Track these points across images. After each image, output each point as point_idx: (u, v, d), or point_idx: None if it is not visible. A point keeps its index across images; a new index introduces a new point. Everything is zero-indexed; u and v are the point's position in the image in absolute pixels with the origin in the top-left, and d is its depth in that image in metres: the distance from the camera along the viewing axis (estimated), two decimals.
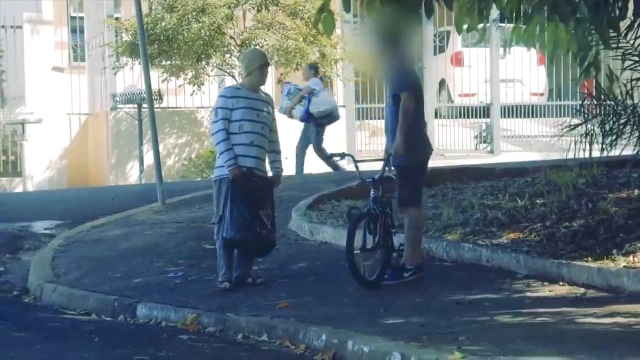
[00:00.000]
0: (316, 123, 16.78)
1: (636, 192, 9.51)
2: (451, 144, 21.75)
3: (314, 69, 17.38)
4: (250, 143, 8.59)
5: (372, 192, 8.40)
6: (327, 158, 16.50)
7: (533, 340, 6.31)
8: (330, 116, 16.96)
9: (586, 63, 8.02)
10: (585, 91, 10.15)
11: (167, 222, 11.78)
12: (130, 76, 20.94)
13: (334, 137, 21.43)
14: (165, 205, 12.71)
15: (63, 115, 21.89)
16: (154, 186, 13.25)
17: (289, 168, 19.78)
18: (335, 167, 16.74)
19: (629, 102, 8.34)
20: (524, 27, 6.43)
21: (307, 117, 16.68)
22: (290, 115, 16.95)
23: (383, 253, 8.33)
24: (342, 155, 9.10)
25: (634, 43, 8.12)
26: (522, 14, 7.04)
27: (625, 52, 8.16)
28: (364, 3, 7.09)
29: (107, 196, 14.81)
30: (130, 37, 19.85)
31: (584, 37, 6.52)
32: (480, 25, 7.09)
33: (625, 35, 8.07)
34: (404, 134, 8.20)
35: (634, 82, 8.32)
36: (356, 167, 8.63)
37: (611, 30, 7.68)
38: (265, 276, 9.03)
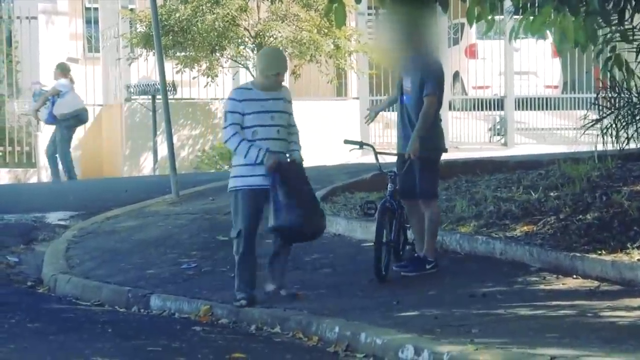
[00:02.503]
0: (64, 125, 16.78)
1: None
2: (465, 137, 21.71)
3: (61, 69, 17.27)
4: (265, 150, 8.04)
5: (389, 186, 8.38)
6: (55, 163, 16.50)
7: (546, 333, 6.30)
8: (77, 118, 16.95)
9: (601, 57, 7.99)
10: (600, 84, 10.11)
11: (180, 213, 11.80)
12: (145, 67, 20.95)
13: (347, 129, 21.44)
14: (178, 197, 12.72)
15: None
16: (167, 178, 13.26)
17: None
18: (56, 174, 16.82)
19: None
20: (532, 18, 6.40)
21: (52, 119, 16.70)
22: (37, 117, 16.99)
23: (394, 247, 8.33)
24: (361, 145, 8.86)
25: None
26: (531, 5, 7.02)
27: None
28: None
29: (121, 187, 14.83)
30: (144, 28, 19.86)
31: (594, 29, 6.49)
32: (490, 17, 7.06)
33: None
34: (420, 136, 8.20)
35: None
36: (376, 158, 8.57)
37: (623, 24, 7.65)
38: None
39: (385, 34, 8.21)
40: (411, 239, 8.57)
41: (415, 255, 8.47)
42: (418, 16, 7.86)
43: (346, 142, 8.77)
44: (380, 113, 9.33)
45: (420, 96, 8.31)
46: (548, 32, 6.40)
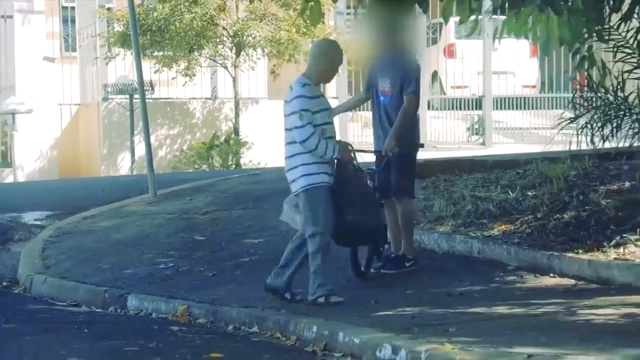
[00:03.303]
0: None
1: (627, 184, 9.51)
2: (443, 136, 21.75)
3: None
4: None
5: (369, 184, 8.36)
6: None
7: (523, 332, 6.32)
8: None
9: (579, 56, 8.01)
10: (577, 84, 10.14)
11: (158, 213, 11.76)
12: (122, 67, 20.90)
13: None
14: (156, 197, 12.68)
15: (54, 105, 21.84)
16: (145, 177, 13.21)
17: (279, 160, 19.78)
18: None
19: (620, 94, 8.33)
20: (515, 18, 6.41)
21: None
22: None
23: (374, 245, 8.32)
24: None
25: (625, 35, 8.11)
26: (512, 5, 7.03)
27: (617, 45, 8.15)
28: None
29: (98, 187, 14.78)
30: (122, 27, 19.81)
31: (577, 28, 6.51)
32: (472, 17, 7.07)
33: (618, 27, 8.06)
34: (398, 134, 8.19)
35: (625, 75, 8.31)
36: (354, 156, 8.56)
37: (602, 24, 7.68)
38: (258, 267, 9.01)
39: (364, 33, 8.18)
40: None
41: (392, 255, 8.47)
42: (397, 15, 7.86)
43: None
44: (358, 112, 9.31)
45: (401, 95, 8.29)
46: (529, 31, 6.40)
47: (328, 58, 7.81)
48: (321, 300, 7.58)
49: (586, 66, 7.96)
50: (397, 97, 8.33)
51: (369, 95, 8.64)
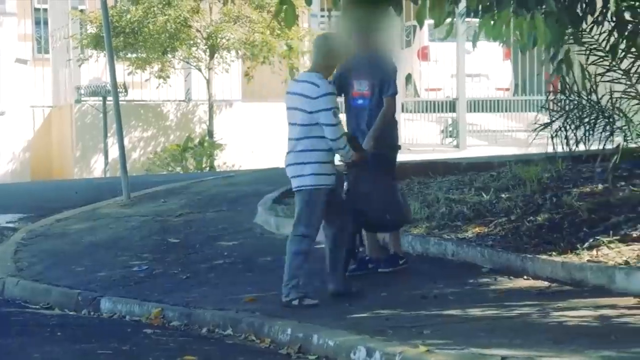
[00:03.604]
0: None
1: (600, 186, 9.56)
2: (417, 139, 21.81)
3: None
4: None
5: (345, 186, 8.36)
6: None
7: (497, 334, 6.33)
8: None
9: (556, 60, 8.05)
10: (551, 87, 10.19)
11: (131, 215, 11.72)
12: (95, 69, 20.84)
13: None
14: (130, 199, 12.64)
15: (26, 107, 21.73)
16: (118, 180, 13.17)
17: (253, 162, 19.79)
18: None
19: (593, 97, 8.38)
20: (492, 21, 6.44)
21: None
22: None
23: (350, 247, 8.31)
24: None
25: (598, 38, 8.16)
26: (487, 9, 7.05)
27: (590, 48, 8.20)
28: None
29: (71, 189, 14.72)
30: (95, 29, 19.76)
31: (556, 29, 6.54)
32: (448, 20, 7.09)
33: (591, 30, 8.11)
34: (377, 135, 8.18)
35: (598, 78, 8.36)
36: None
37: (577, 27, 7.73)
38: (232, 270, 9.01)
39: (341, 35, 8.14)
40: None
41: (367, 257, 8.47)
42: (374, 16, 7.85)
43: None
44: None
45: (380, 97, 8.27)
46: (510, 33, 6.42)
47: (334, 53, 7.72)
48: (295, 302, 7.56)
49: (564, 70, 8.00)
50: (377, 99, 8.29)
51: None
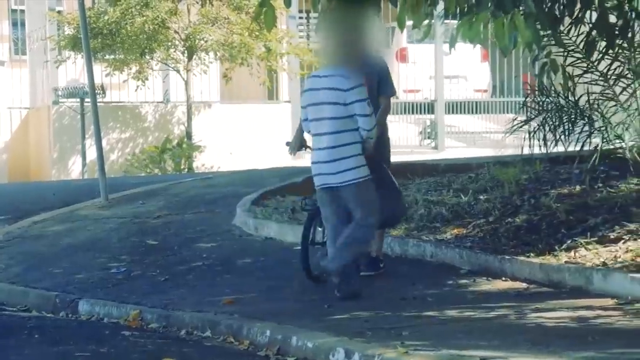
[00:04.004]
0: None
1: (577, 188, 9.60)
2: (396, 140, 21.75)
3: None
4: None
5: None
6: None
7: (476, 335, 6.34)
8: None
9: (539, 63, 8.07)
10: (528, 88, 10.23)
11: (110, 217, 11.69)
12: (73, 70, 20.76)
13: (279, 133, 21.43)
14: (108, 201, 12.60)
15: (3, 109, 21.63)
16: (96, 181, 13.13)
17: (232, 164, 19.76)
18: None
19: (571, 98, 8.41)
20: (469, 24, 6.45)
21: None
22: None
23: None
24: (305, 147, 8.71)
25: (576, 40, 8.19)
26: (466, 11, 7.07)
27: (568, 49, 8.23)
28: None
29: (49, 191, 14.65)
30: (72, 30, 19.69)
31: (536, 30, 6.56)
32: (426, 22, 7.09)
33: (568, 32, 8.14)
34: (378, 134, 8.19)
35: (575, 79, 8.39)
36: None
37: (556, 29, 7.75)
38: (211, 271, 8.99)
39: (329, 35, 8.12)
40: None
41: (374, 255, 8.48)
42: (364, 15, 7.82)
43: (288, 144, 8.65)
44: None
45: (376, 97, 8.26)
46: (488, 35, 6.44)
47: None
48: (334, 279, 7.64)
49: (548, 72, 8.03)
50: (374, 98, 8.28)
51: None
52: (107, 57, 20.01)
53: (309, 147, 8.50)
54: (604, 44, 8.16)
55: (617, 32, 8.03)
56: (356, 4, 7.35)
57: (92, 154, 17.85)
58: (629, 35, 8.06)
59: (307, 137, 8.54)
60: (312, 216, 8.28)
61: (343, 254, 7.65)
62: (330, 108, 7.65)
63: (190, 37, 19.88)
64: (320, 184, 7.75)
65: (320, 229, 8.24)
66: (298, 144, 8.45)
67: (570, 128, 8.30)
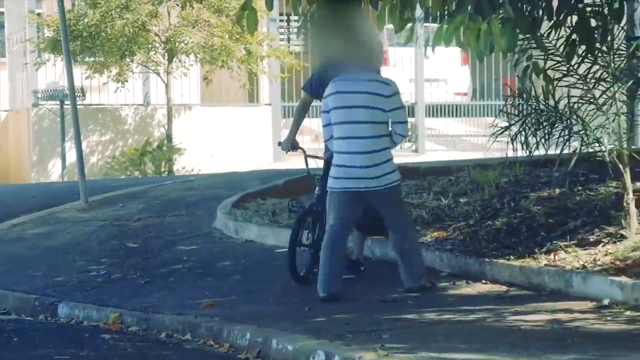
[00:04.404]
0: None
1: (557, 191, 9.63)
2: None
3: None
4: None
5: (317, 190, 8.36)
6: None
7: (456, 338, 6.36)
8: None
9: (522, 66, 8.09)
10: (508, 91, 10.26)
11: (89, 220, 11.65)
12: (53, 72, 20.69)
13: (259, 135, 21.42)
14: (88, 204, 12.57)
15: None
16: (76, 184, 13.09)
17: (213, 167, 19.74)
18: None
19: (551, 102, 8.43)
20: (446, 27, 6.46)
21: None
22: None
23: (315, 250, 8.32)
24: (294, 148, 8.55)
25: (556, 43, 8.21)
26: (447, 14, 7.08)
27: (549, 52, 8.25)
28: (289, 1, 7.06)
29: (29, 194, 14.60)
30: (52, 33, 19.63)
31: (512, 36, 6.58)
32: (408, 26, 7.10)
33: (548, 35, 8.16)
34: None
35: (555, 82, 8.41)
36: (306, 162, 8.55)
37: (535, 33, 7.77)
38: (191, 274, 8.98)
39: (319, 36, 8.11)
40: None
41: (355, 258, 8.49)
42: (354, 15, 7.81)
43: (279, 144, 8.66)
44: (292, 120, 9.18)
45: None
46: (462, 39, 6.45)
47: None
48: (428, 284, 7.82)
49: (530, 75, 8.05)
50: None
51: (313, 97, 8.59)
52: (87, 59, 19.96)
53: (301, 148, 8.54)
54: (584, 47, 8.19)
55: (596, 36, 8.06)
56: (342, 6, 7.35)
57: (71, 156, 17.80)
58: (609, 39, 8.09)
59: (298, 138, 8.60)
60: (301, 218, 8.30)
61: (418, 261, 7.88)
62: (367, 112, 7.67)
63: (171, 39, 19.85)
64: (350, 187, 7.72)
65: (305, 231, 8.25)
66: (290, 144, 8.49)
67: (550, 131, 8.31)
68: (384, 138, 7.73)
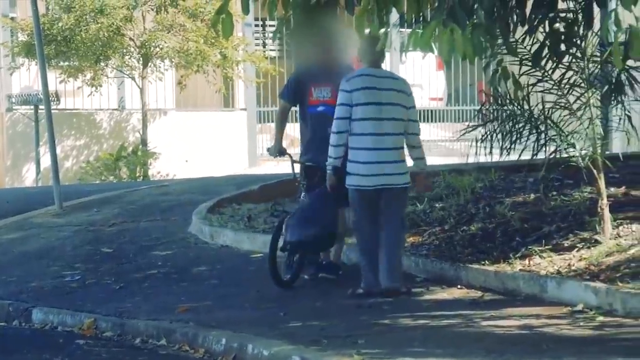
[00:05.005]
0: None
1: (532, 196, 9.66)
2: None
3: None
4: None
5: (302, 195, 8.36)
6: None
7: (431, 343, 6.37)
8: None
9: (491, 71, 8.12)
10: (483, 96, 10.30)
11: (64, 225, 11.60)
12: (27, 77, 20.59)
13: (235, 140, 21.40)
14: (62, 209, 12.51)
15: None
16: (51, 189, 13.03)
17: (188, 171, 19.71)
18: None
19: (525, 106, 8.47)
20: (420, 32, 6.48)
21: None
22: None
23: (300, 255, 8.30)
24: (282, 153, 8.49)
25: (530, 49, 8.25)
26: (422, 19, 7.10)
27: (522, 58, 8.29)
28: (265, 5, 7.06)
29: (2, 199, 14.51)
30: (26, 37, 19.54)
31: (480, 42, 6.61)
32: (382, 31, 7.11)
33: (523, 41, 8.20)
34: None
35: (530, 87, 8.45)
36: (292, 167, 8.56)
37: (506, 38, 7.80)
38: (166, 279, 8.95)
39: (296, 42, 8.13)
40: None
41: (323, 261, 8.50)
42: (330, 21, 7.84)
43: (268, 150, 8.69)
44: (267, 124, 9.21)
45: None
46: (434, 45, 6.47)
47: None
48: (404, 290, 7.75)
49: (499, 80, 8.08)
50: None
51: (292, 105, 8.61)
52: (61, 64, 19.87)
53: (288, 154, 8.55)
54: (557, 52, 8.23)
55: (570, 42, 8.10)
56: (319, 12, 7.37)
57: (46, 161, 17.73)
58: (582, 44, 8.14)
59: (268, 142, 8.61)
60: (281, 223, 8.31)
61: (400, 264, 7.87)
62: (396, 110, 7.79)
63: (146, 44, 19.81)
64: (378, 185, 7.76)
65: (282, 236, 8.25)
66: (278, 150, 8.50)
67: (525, 136, 8.35)
68: (403, 136, 7.89)
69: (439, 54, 6.54)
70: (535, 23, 7.94)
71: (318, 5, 7.12)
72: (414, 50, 6.65)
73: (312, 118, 8.40)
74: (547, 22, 7.99)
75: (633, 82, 8.31)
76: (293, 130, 9.48)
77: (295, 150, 9.05)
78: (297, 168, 8.56)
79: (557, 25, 7.94)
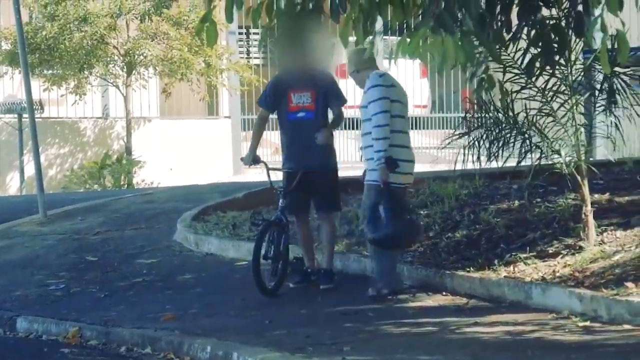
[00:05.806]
0: None
1: (516, 203, 9.68)
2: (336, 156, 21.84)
3: None
4: None
5: (281, 202, 8.37)
6: None
7: (417, 350, 6.37)
8: None
9: (476, 79, 8.15)
10: (468, 104, 10.33)
11: (48, 234, 11.57)
12: (10, 85, 20.53)
13: (219, 148, 21.39)
14: (46, 217, 12.48)
15: None
16: (35, 197, 12.99)
17: (172, 179, 19.68)
18: None
19: (510, 114, 8.49)
20: (409, 39, 6.49)
21: None
22: None
23: (283, 262, 8.32)
24: (256, 161, 8.55)
25: (514, 56, 8.28)
26: (406, 27, 7.12)
27: (507, 65, 8.32)
28: (249, 14, 7.06)
29: None
30: (10, 45, 19.49)
31: (471, 49, 6.63)
32: (368, 39, 7.13)
33: (507, 48, 8.22)
34: (332, 132, 8.65)
35: (514, 95, 8.48)
36: (268, 175, 8.56)
37: (497, 45, 7.83)
38: (151, 288, 8.93)
39: (285, 52, 8.17)
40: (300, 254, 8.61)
41: (308, 269, 8.51)
42: (310, 28, 7.86)
43: (242, 159, 8.71)
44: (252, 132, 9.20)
45: (325, 108, 8.43)
46: (421, 52, 6.49)
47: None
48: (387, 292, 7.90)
49: (485, 88, 8.11)
50: (322, 112, 8.38)
51: (270, 111, 8.63)
52: (45, 72, 19.83)
53: (263, 161, 8.56)
54: (541, 59, 8.26)
55: (554, 49, 8.13)
56: (303, 19, 7.38)
57: (30, 169, 17.67)
58: (566, 52, 8.16)
59: (258, 151, 8.65)
60: (264, 231, 8.32)
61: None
62: (405, 109, 8.17)
63: (130, 52, 19.79)
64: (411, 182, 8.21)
65: (265, 244, 8.25)
66: (252, 158, 8.51)
67: (509, 143, 8.38)
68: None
69: (429, 61, 6.55)
70: (523, 30, 7.97)
71: (302, 13, 7.13)
72: (403, 57, 6.67)
73: (293, 124, 8.42)
74: (535, 30, 8.01)
75: (625, 88, 8.33)
76: (277, 138, 9.49)
77: (278, 159, 9.07)
78: (275, 175, 8.60)
79: (546, 31, 7.96)
